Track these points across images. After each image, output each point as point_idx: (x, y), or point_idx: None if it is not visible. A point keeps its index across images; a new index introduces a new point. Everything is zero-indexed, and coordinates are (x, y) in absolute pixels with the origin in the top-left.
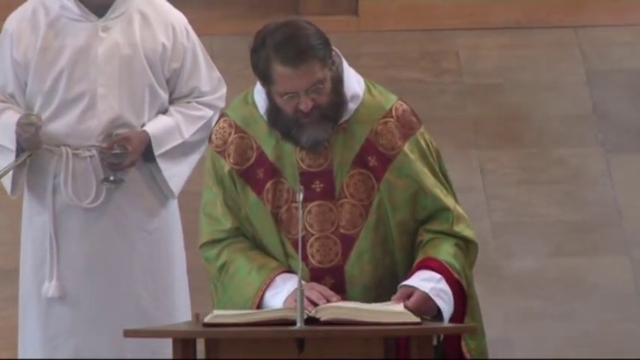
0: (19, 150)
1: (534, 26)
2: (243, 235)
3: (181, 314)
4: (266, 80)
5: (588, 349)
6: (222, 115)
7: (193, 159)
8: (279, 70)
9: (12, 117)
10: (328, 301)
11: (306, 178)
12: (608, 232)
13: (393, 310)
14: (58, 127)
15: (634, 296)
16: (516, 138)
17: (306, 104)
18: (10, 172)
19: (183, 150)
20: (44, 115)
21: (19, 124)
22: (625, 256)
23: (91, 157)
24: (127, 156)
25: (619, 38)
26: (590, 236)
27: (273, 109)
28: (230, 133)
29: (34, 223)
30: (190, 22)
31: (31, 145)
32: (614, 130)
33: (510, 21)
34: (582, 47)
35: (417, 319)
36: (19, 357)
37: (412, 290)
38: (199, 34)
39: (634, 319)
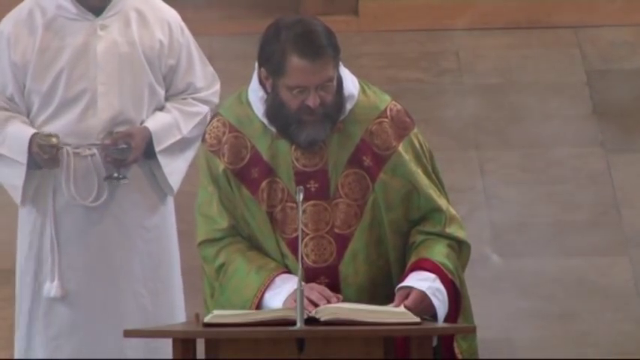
0: (31, 166)
1: (534, 26)
2: (240, 234)
3: (180, 311)
4: (277, 73)
5: (588, 349)
6: (215, 115)
7: (189, 155)
8: (294, 62)
9: (23, 130)
10: (328, 301)
11: (301, 178)
12: (608, 232)
13: (393, 310)
14: (58, 126)
15: (634, 296)
16: (516, 138)
17: (314, 100)
18: (21, 185)
19: (181, 146)
20: (43, 116)
21: (40, 146)
22: (625, 256)
23: (91, 155)
24: (130, 152)
25: (619, 38)
26: (590, 236)
27: (276, 104)
28: (224, 133)
29: (32, 223)
30: (190, 21)
31: (52, 165)
32: (614, 130)
33: (510, 21)
34: (582, 47)
35: (417, 319)
36: (15, 357)
37: (409, 290)
38: (199, 34)
39: (634, 319)
